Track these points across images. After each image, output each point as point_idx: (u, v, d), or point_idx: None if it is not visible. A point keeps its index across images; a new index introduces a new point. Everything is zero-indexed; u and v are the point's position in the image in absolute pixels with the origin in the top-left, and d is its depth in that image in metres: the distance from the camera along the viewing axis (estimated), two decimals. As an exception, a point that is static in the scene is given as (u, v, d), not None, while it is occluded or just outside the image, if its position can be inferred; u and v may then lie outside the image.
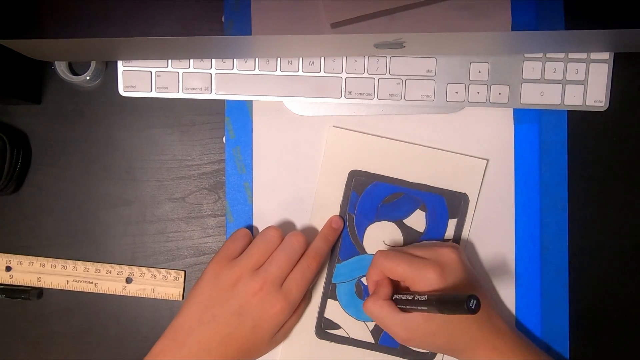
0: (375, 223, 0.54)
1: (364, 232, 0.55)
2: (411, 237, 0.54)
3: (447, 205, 0.54)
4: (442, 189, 0.54)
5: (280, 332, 0.51)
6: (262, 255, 0.50)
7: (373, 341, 0.54)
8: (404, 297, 0.48)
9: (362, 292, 0.54)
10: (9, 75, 0.52)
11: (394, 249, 0.50)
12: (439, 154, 0.54)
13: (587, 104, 0.54)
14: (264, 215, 0.55)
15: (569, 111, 0.55)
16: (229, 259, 0.50)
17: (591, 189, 0.56)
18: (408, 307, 0.47)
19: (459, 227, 0.54)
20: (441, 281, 0.47)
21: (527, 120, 0.55)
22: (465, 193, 0.54)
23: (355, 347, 0.54)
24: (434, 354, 0.54)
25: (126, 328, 0.56)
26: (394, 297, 0.49)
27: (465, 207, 0.54)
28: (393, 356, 0.54)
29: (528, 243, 0.55)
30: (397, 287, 0.50)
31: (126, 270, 0.56)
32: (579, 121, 0.55)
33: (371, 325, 0.54)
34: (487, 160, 0.54)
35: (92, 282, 0.55)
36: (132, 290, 0.55)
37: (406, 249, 0.51)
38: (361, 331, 0.54)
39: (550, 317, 0.55)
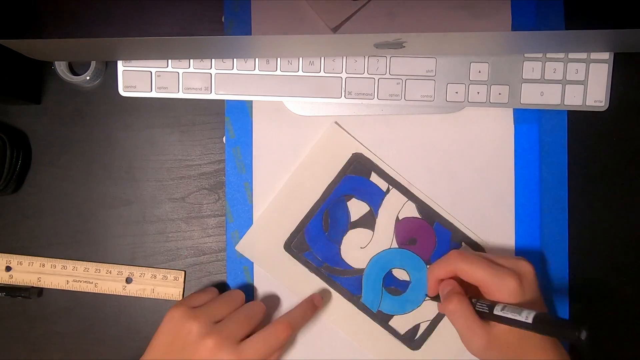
0: (341, 247, 0.55)
1: (344, 261, 0.55)
2: (370, 220, 0.55)
3: (356, 174, 0.55)
4: (339, 172, 0.55)
5: None
6: (223, 311, 0.50)
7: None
8: (487, 302, 0.46)
9: (396, 290, 0.55)
10: (9, 75, 0.52)
11: (470, 251, 0.49)
12: (309, 158, 0.55)
13: (587, 104, 0.54)
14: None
15: (569, 111, 0.55)
16: (191, 307, 0.50)
17: (591, 189, 0.56)
18: (491, 316, 0.45)
19: (384, 175, 0.54)
20: (521, 293, 0.46)
21: (527, 120, 0.55)
22: (353, 154, 0.54)
23: (443, 319, 0.55)
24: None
25: (126, 328, 0.56)
26: (471, 299, 0.47)
27: (366, 160, 0.54)
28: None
29: (528, 243, 0.55)
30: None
31: (126, 270, 0.56)
32: (579, 121, 0.55)
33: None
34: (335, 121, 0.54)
35: (92, 282, 0.55)
36: (132, 290, 0.55)
37: (480, 254, 0.50)
38: (431, 306, 0.54)
39: (550, 317, 0.55)
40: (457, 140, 0.55)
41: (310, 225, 0.55)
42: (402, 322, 0.55)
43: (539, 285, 0.48)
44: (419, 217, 0.55)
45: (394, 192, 0.55)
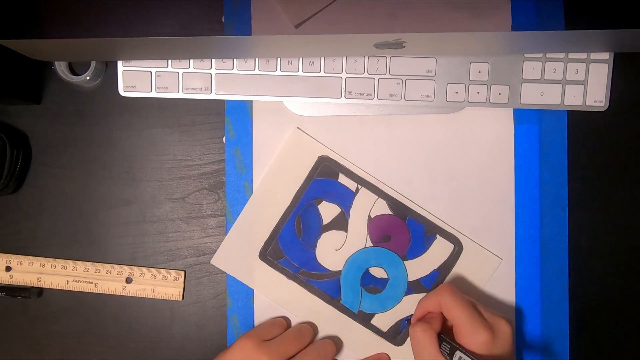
0: (316, 251, 0.55)
1: (321, 265, 0.55)
2: (342, 222, 0.55)
3: (324, 177, 0.55)
4: (307, 177, 0.55)
5: None
6: (293, 348, 0.51)
7: (425, 294, 0.53)
8: (454, 344, 0.46)
9: (375, 288, 0.55)
10: (9, 75, 0.52)
11: (461, 294, 0.49)
12: (274, 165, 0.55)
13: (587, 104, 0.54)
14: (264, 216, 0.55)
15: (569, 111, 0.55)
16: (261, 340, 0.51)
17: (591, 189, 0.56)
18: (450, 351, 0.46)
19: (351, 175, 0.54)
20: (489, 348, 0.46)
21: (527, 120, 0.55)
22: (318, 157, 0.54)
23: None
24: (460, 245, 0.54)
25: (126, 328, 0.56)
26: (441, 335, 0.48)
27: (333, 162, 0.54)
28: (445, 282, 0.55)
29: (528, 243, 0.55)
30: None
31: (126, 271, 0.55)
32: (579, 121, 0.55)
33: (410, 289, 0.55)
34: (297, 126, 0.54)
35: (92, 282, 0.55)
36: (132, 290, 0.55)
37: (471, 299, 0.50)
38: (411, 302, 0.54)
39: (550, 317, 0.55)
40: (457, 140, 0.55)
41: (283, 232, 0.54)
42: (384, 320, 0.55)
43: (512, 347, 0.48)
44: (391, 213, 0.55)
45: (363, 191, 0.55)
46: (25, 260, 0.55)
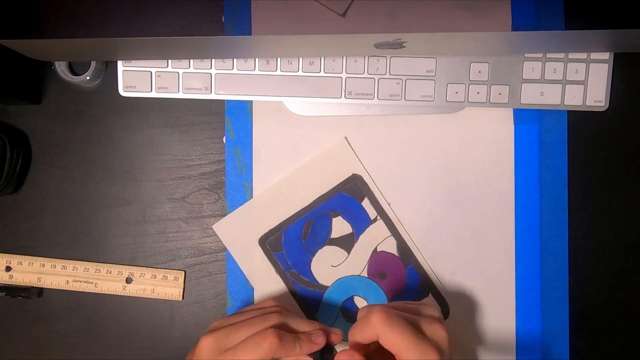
0: (313, 259, 0.55)
1: (312, 273, 0.55)
2: (348, 242, 0.54)
3: (350, 195, 0.54)
4: (334, 187, 0.55)
5: None
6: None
7: None
8: None
9: (353, 316, 0.54)
10: (9, 75, 0.52)
11: (392, 311, 0.45)
12: (307, 164, 0.54)
13: (587, 104, 0.54)
14: (264, 216, 0.55)
15: (569, 111, 0.55)
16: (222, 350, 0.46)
17: (591, 189, 0.56)
18: None
19: (375, 204, 0.54)
20: None
21: (527, 120, 0.55)
22: (352, 174, 0.54)
23: None
24: (447, 312, 0.53)
25: (126, 328, 0.56)
26: None
27: (364, 184, 0.54)
28: None
29: (528, 243, 0.55)
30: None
31: (126, 271, 0.55)
32: (579, 121, 0.55)
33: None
34: (345, 136, 0.54)
35: (92, 282, 0.55)
36: (132, 290, 0.55)
37: (396, 307, 0.46)
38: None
39: (550, 317, 0.55)
40: (457, 140, 0.55)
41: (290, 229, 0.54)
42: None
43: (451, 346, 0.45)
44: (397, 255, 0.55)
45: (380, 223, 0.55)
46: (25, 260, 0.55)
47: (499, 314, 0.55)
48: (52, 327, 0.56)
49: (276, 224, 0.55)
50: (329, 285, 0.55)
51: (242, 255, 0.54)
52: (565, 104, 0.54)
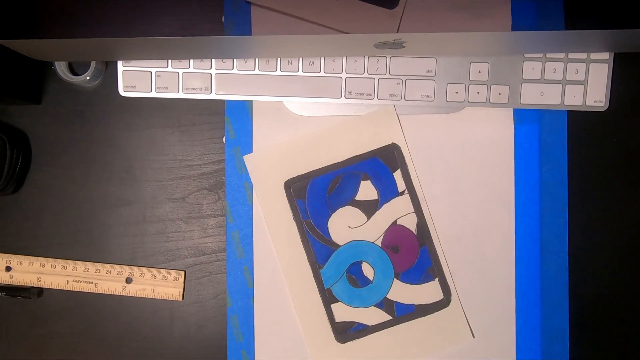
0: (332, 215, 0.55)
1: (328, 229, 0.55)
2: (371, 208, 0.54)
3: (383, 162, 0.54)
4: (370, 151, 0.55)
5: None
6: None
7: (390, 317, 0.54)
8: None
9: (356, 281, 0.55)
10: (9, 75, 0.52)
11: None
12: (351, 121, 0.54)
13: (587, 104, 0.54)
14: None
15: (569, 111, 0.55)
16: None
17: (591, 189, 0.56)
18: None
19: (406, 176, 0.54)
20: None
21: (527, 120, 0.55)
22: (392, 143, 0.54)
23: (379, 332, 0.54)
24: (449, 300, 0.54)
25: (126, 328, 0.56)
26: None
27: (400, 155, 0.54)
28: (414, 320, 0.54)
29: (528, 243, 0.55)
30: None
31: (126, 271, 0.56)
32: (579, 121, 0.55)
33: (382, 304, 0.55)
34: (394, 104, 0.54)
35: (92, 282, 0.55)
36: (132, 290, 0.55)
37: None
38: (376, 315, 0.54)
39: (550, 317, 0.55)
40: (457, 140, 0.55)
41: (318, 180, 0.54)
42: (342, 312, 0.54)
43: None
44: (414, 233, 0.55)
45: (406, 197, 0.55)
46: (25, 260, 0.55)
47: (499, 314, 0.55)
48: (52, 327, 0.56)
49: (305, 172, 0.54)
50: (341, 244, 0.55)
51: (264, 194, 0.54)
52: (565, 104, 0.54)
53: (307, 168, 0.54)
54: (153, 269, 0.56)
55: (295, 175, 0.54)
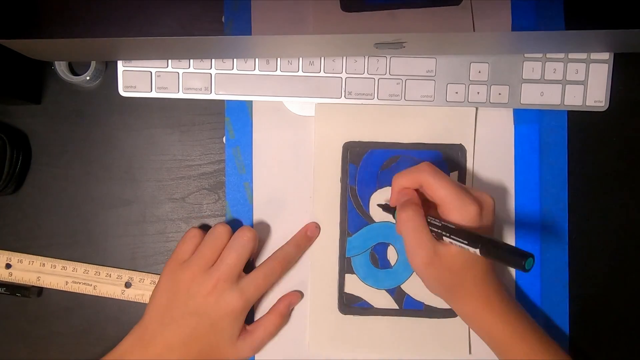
0: (378, 191, 0.54)
1: (369, 202, 0.54)
2: None
3: (444, 159, 0.54)
4: (437, 144, 0.54)
5: (247, 343, 0.51)
6: (212, 254, 0.50)
7: (397, 307, 0.54)
8: (442, 223, 0.46)
9: (377, 261, 0.54)
10: (9, 75, 0.52)
11: (441, 170, 0.48)
12: (429, 110, 0.54)
13: (587, 104, 0.54)
14: (264, 215, 0.55)
15: (569, 111, 0.55)
16: (181, 261, 0.51)
17: (591, 189, 0.56)
18: (443, 234, 0.46)
19: (461, 179, 0.54)
20: (478, 220, 0.46)
21: (527, 120, 0.55)
22: (460, 144, 0.54)
23: (381, 316, 0.54)
24: (454, 314, 0.54)
25: (126, 328, 0.56)
26: (428, 219, 0.47)
27: (463, 158, 0.54)
28: (419, 318, 0.54)
29: (528, 243, 0.55)
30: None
31: (126, 275, 0.55)
32: (579, 121, 0.55)
33: (393, 292, 0.54)
34: (477, 108, 0.54)
35: (91, 285, 0.55)
36: (131, 295, 0.55)
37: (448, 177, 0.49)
38: (384, 299, 0.54)
39: (550, 317, 0.55)
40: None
41: (377, 152, 0.54)
42: (353, 284, 0.54)
43: (494, 217, 0.49)
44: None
45: None
46: (26, 258, 0.55)
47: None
48: (52, 327, 0.56)
49: (368, 140, 0.54)
50: (376, 221, 0.55)
51: (322, 147, 0.54)
52: (565, 104, 0.54)
53: (370, 137, 0.54)
54: (153, 274, 0.56)
55: (357, 139, 0.54)
